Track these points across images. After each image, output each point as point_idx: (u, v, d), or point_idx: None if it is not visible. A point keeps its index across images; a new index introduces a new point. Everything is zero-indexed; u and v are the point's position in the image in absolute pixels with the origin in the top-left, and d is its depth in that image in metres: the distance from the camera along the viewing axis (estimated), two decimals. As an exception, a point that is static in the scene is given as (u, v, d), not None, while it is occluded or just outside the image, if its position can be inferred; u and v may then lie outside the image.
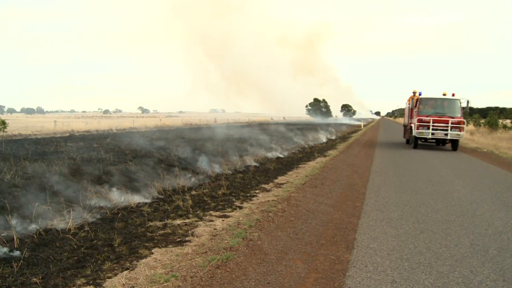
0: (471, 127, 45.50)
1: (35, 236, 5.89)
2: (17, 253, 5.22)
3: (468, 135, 34.54)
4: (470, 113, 54.76)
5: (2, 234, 5.65)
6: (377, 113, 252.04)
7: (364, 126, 62.73)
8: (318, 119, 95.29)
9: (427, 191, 9.88)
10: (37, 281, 4.36)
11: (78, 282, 4.34)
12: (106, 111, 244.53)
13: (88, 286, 4.25)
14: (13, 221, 6.05)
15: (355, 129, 53.63)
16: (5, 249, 5.27)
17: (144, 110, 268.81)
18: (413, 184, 10.86)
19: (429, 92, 28.07)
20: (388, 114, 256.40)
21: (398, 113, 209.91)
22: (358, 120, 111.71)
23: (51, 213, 6.69)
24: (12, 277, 4.47)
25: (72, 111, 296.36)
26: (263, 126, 41.18)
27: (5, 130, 28.48)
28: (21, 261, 4.94)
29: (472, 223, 6.94)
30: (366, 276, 4.63)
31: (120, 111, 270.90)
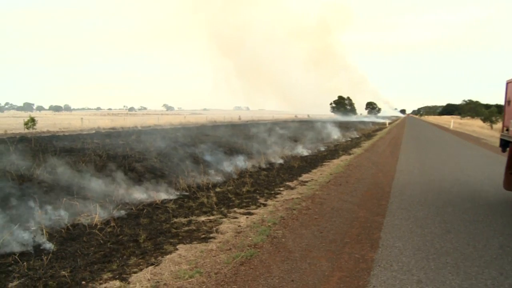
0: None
1: (63, 230, 6.03)
2: (47, 246, 5.35)
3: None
4: None
5: (32, 228, 5.81)
6: (403, 111, 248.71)
7: (389, 124, 61.84)
8: (345, 117, 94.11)
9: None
10: (66, 274, 4.46)
11: (105, 277, 4.42)
12: (131, 109, 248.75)
13: (114, 281, 4.32)
14: (42, 216, 6.20)
15: (379, 127, 52.88)
16: (36, 243, 5.42)
17: (168, 108, 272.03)
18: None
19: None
20: (414, 112, 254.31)
21: (424, 110, 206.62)
22: (383, 118, 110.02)
23: (78, 208, 6.84)
24: (42, 270, 4.60)
25: (98, 108, 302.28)
26: (287, 124, 41.02)
27: (34, 127, 29.31)
28: (51, 254, 5.07)
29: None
30: (391, 275, 4.56)
31: (145, 108, 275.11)
